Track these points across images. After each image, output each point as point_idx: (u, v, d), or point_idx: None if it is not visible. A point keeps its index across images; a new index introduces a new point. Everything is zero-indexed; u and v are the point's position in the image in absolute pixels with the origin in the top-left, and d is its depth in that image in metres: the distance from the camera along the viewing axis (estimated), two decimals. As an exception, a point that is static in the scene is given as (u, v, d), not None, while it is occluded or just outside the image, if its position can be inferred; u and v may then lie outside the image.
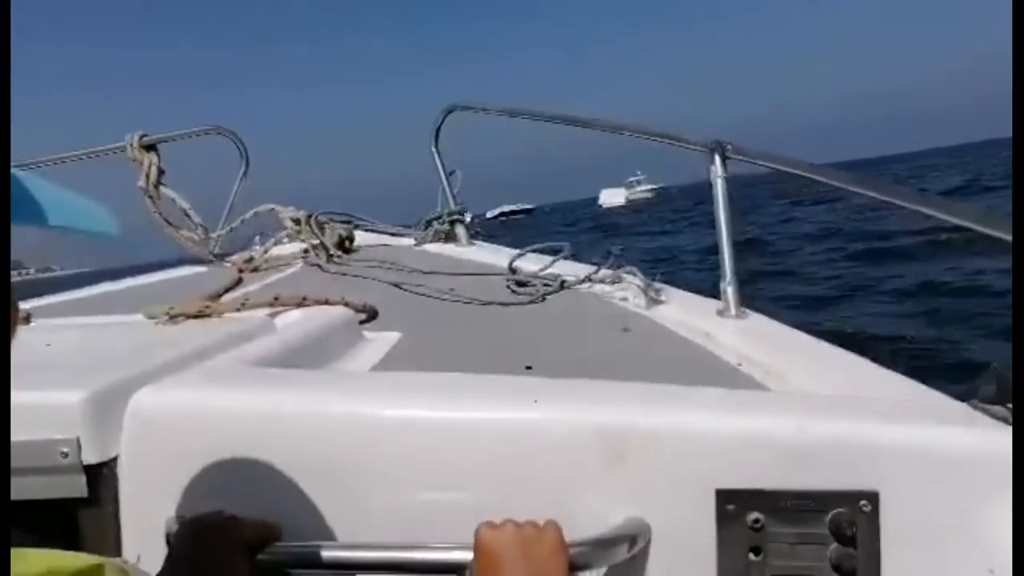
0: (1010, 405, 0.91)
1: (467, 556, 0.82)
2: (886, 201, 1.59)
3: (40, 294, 2.70)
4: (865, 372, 1.31)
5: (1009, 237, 1.11)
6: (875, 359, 1.35)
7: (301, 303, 1.76)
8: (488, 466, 0.91)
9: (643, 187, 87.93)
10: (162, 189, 3.33)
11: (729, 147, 1.94)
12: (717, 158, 1.94)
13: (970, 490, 0.85)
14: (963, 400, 1.00)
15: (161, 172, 3.34)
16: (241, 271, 2.97)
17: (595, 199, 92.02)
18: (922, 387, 1.19)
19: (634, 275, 2.19)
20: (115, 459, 0.97)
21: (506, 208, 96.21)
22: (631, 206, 73.68)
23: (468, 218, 3.58)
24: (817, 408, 0.96)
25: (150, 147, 3.35)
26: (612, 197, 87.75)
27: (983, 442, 0.87)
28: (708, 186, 1.92)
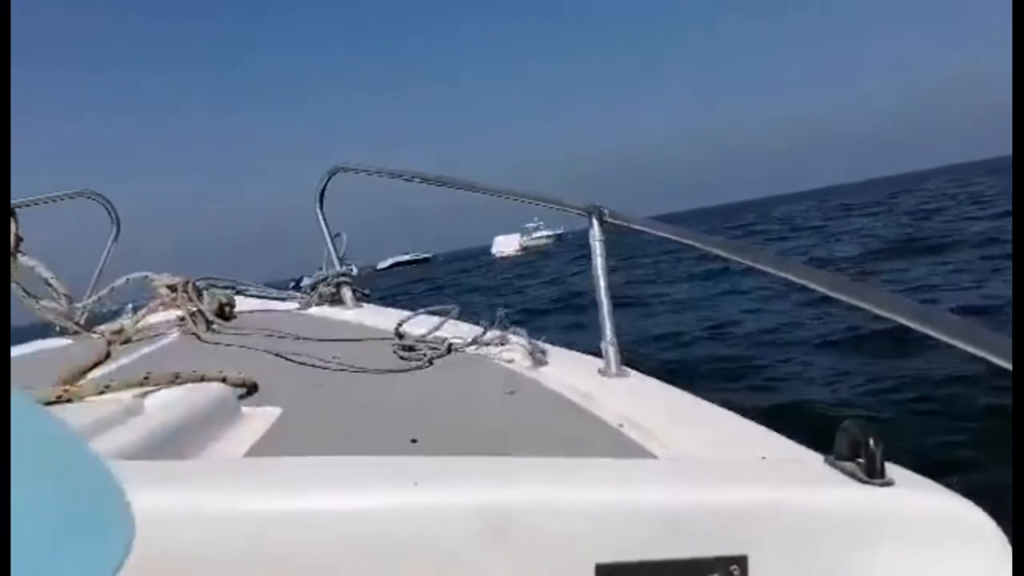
0: (861, 460, 0.97)
1: None
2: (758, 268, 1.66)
3: None
4: (733, 428, 1.38)
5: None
6: (742, 413, 1.43)
7: (174, 381, 1.66)
8: (366, 556, 0.88)
9: (540, 233, 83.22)
10: (20, 258, 3.10)
11: (606, 211, 2.03)
12: (595, 221, 2.03)
13: (834, 548, 0.90)
14: (822, 452, 1.06)
15: (19, 239, 3.12)
16: (111, 343, 2.79)
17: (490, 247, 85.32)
18: (785, 441, 1.26)
19: (520, 336, 2.21)
20: None
21: (401, 258, 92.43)
22: (527, 254, 68.97)
23: (354, 275, 3.50)
24: (687, 475, 0.99)
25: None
26: (505, 245, 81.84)
27: (840, 501, 0.92)
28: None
